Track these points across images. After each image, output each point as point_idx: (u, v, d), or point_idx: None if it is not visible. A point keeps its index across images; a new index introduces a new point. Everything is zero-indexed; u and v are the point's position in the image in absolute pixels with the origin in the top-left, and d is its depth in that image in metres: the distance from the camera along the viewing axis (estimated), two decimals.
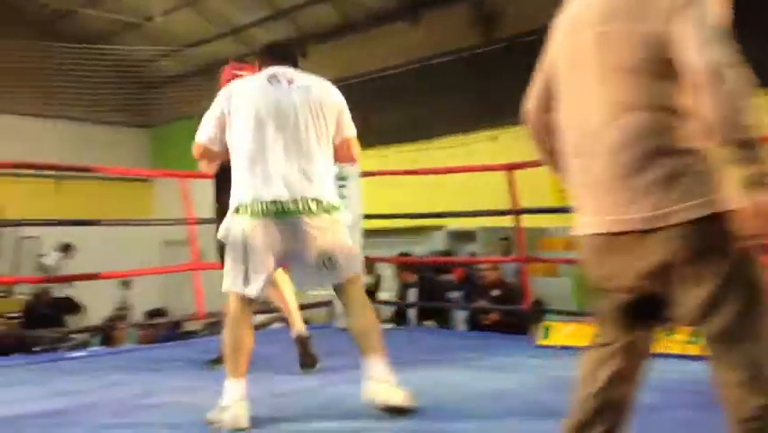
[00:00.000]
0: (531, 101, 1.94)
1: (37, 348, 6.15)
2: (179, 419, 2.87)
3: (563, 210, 9.21)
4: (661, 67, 1.54)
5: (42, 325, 6.97)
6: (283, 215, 2.69)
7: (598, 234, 1.65)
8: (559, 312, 5.25)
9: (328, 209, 2.77)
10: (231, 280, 2.76)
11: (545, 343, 4.31)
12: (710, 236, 1.51)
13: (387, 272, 8.31)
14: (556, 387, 3.28)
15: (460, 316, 6.89)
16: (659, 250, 1.54)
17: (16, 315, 8.55)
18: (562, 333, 4.29)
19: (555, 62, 1.80)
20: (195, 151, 2.91)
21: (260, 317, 7.48)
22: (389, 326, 5.63)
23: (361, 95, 12.99)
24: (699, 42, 1.48)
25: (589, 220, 1.68)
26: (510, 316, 5.57)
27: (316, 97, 2.85)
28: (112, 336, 6.04)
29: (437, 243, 10.17)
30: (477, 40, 11.63)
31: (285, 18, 13.63)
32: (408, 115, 12.24)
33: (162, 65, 15.94)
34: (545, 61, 1.87)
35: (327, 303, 5.61)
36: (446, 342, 4.96)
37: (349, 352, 4.40)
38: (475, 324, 5.90)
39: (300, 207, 2.70)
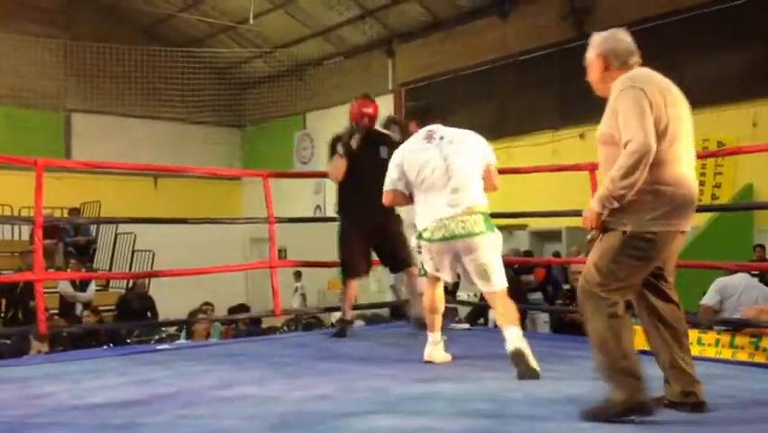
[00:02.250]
0: (652, 139, 2.59)
1: (129, 340, 6.46)
2: (254, 410, 2.93)
3: None
4: None
5: (133, 318, 7.31)
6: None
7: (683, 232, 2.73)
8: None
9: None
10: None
11: None
12: None
13: None
14: None
15: (541, 317, 6.73)
16: None
17: (111, 307, 9.01)
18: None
19: (666, 121, 2.64)
20: (385, 198, 3.94)
21: (339, 314, 7.60)
22: (465, 326, 5.56)
23: (447, 92, 12.97)
24: None
25: (684, 223, 2.69)
26: None
27: (467, 143, 3.88)
28: (195, 330, 6.27)
29: (520, 242, 9.96)
30: (567, 34, 11.34)
31: (373, 18, 13.73)
32: (495, 112, 12.08)
33: (255, 66, 16.39)
34: (662, 112, 2.64)
35: (406, 302, 5.60)
36: None
37: (421, 350, 4.40)
38: (557, 326, 5.74)
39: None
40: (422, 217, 3.76)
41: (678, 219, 2.66)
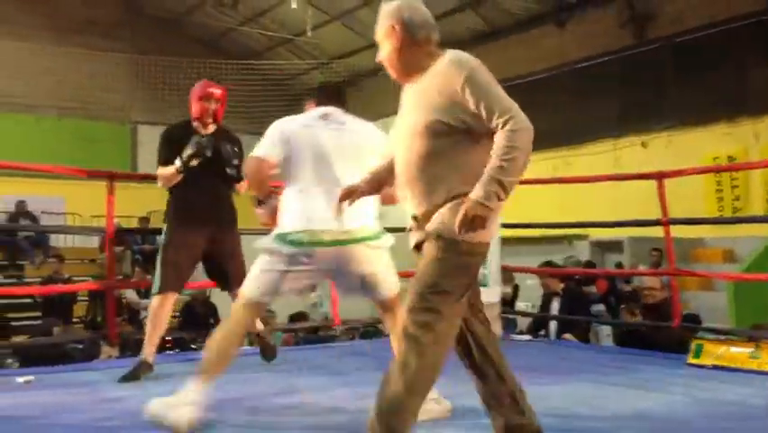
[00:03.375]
0: None
1: (194, 345, 6.60)
2: (318, 419, 2.97)
3: (719, 221, 8.60)
4: None
5: (197, 324, 7.46)
6: (329, 243, 2.85)
7: None
8: (713, 330, 4.88)
9: (370, 237, 2.94)
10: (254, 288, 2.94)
11: (696, 362, 4.02)
12: None
13: (526, 282, 8.13)
14: (705, 409, 3.08)
15: (604, 330, 6.60)
16: None
17: (176, 314, 9.25)
18: (715, 352, 3.99)
19: None
20: (251, 163, 3.04)
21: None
22: (526, 337, 5.49)
23: None
24: None
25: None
26: (661, 332, 5.26)
27: (363, 139, 3.05)
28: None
29: (580, 252, 9.81)
30: (628, 41, 11.14)
31: None
32: (554, 121, 11.93)
33: (312, 78, 16.60)
34: None
35: None
36: (588, 356, 4.77)
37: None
38: (622, 339, 5.61)
39: (345, 237, 2.87)
40: (293, 217, 2.92)
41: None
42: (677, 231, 4.88)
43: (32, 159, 7.11)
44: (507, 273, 6.51)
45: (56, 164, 6.59)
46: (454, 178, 2.18)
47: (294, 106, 3.33)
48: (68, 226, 11.89)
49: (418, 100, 2.27)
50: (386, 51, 2.37)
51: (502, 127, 2.10)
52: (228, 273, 4.00)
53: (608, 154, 10.73)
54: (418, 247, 2.29)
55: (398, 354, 2.18)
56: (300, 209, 2.92)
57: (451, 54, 2.24)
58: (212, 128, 4.09)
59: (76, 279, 9.97)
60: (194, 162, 3.83)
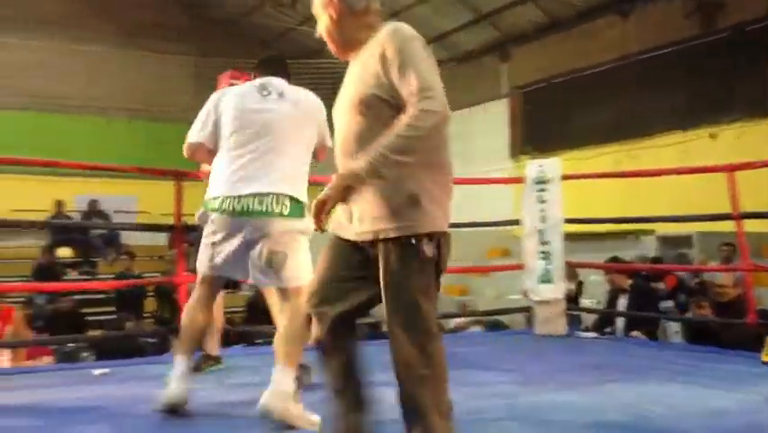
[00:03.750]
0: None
1: (259, 340, 6.72)
2: (380, 415, 2.97)
3: None
4: None
5: (261, 319, 7.58)
6: (250, 213, 2.87)
7: None
8: None
9: (284, 214, 2.89)
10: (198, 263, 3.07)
11: None
12: None
13: (590, 278, 7.99)
14: None
15: (672, 327, 6.44)
16: None
17: (240, 309, 9.47)
18: None
19: None
20: (186, 150, 3.15)
21: (457, 321, 7.57)
22: (592, 334, 5.39)
23: (565, 94, 12.66)
24: None
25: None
26: (733, 329, 5.09)
27: (301, 109, 3.08)
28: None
29: (647, 248, 9.57)
30: (694, 30, 10.78)
31: (486, 21, 13.63)
32: (619, 114, 11.67)
33: None
34: None
35: (527, 309, 5.52)
36: (658, 354, 4.65)
37: (548, 358, 4.33)
38: (692, 336, 5.46)
39: (266, 207, 2.87)
40: (214, 184, 3.01)
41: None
42: (748, 225, 4.70)
43: (104, 160, 7.39)
44: (571, 270, 6.41)
45: (127, 164, 6.83)
46: None
47: None
48: (136, 224, 12.26)
49: (359, 74, 2.11)
50: (324, 24, 2.19)
51: (414, 103, 1.92)
52: None
53: (675, 147, 10.41)
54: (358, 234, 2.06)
55: (412, 371, 2.04)
56: (220, 176, 2.98)
57: (389, 26, 2.09)
58: None
59: (145, 275, 10.27)
60: None
